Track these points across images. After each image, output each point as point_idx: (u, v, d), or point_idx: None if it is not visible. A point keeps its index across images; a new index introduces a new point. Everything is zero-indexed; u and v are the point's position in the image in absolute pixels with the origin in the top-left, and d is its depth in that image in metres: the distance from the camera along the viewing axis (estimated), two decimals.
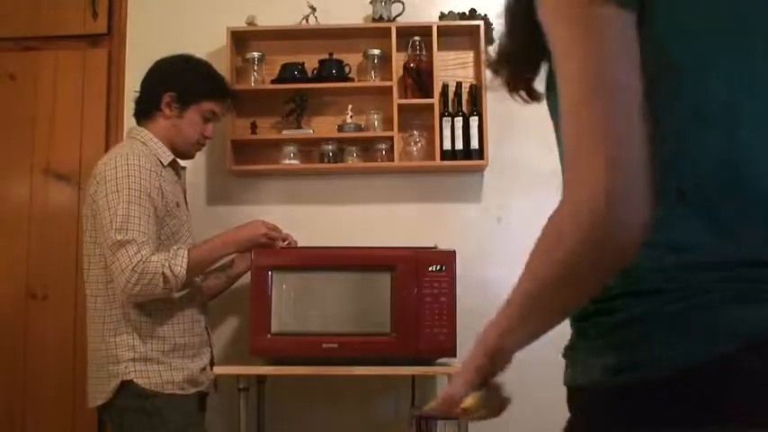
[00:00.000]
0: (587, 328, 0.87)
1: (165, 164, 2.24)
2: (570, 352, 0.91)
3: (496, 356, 0.92)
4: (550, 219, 0.80)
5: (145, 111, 2.29)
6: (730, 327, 0.79)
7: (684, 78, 0.82)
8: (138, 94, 2.33)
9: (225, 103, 2.38)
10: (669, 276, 0.81)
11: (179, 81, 2.27)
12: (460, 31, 2.83)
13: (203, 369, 2.24)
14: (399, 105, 2.74)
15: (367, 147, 2.83)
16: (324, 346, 2.31)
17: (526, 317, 0.87)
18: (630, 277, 0.81)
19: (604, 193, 0.74)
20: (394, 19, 2.84)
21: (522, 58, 0.93)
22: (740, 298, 0.79)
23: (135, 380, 2.11)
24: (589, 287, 0.81)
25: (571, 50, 0.79)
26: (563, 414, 0.91)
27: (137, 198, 2.09)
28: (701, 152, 0.82)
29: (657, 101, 0.80)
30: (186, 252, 2.14)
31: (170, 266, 2.08)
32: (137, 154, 2.15)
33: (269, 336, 2.33)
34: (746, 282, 0.80)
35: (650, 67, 0.79)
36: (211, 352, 2.33)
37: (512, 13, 0.92)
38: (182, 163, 2.37)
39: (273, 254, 2.39)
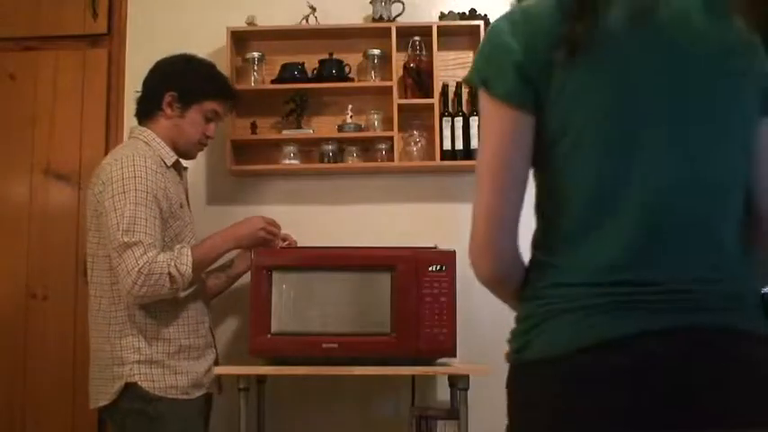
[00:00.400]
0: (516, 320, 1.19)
1: (168, 164, 2.24)
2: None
3: None
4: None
5: (146, 111, 2.29)
6: (587, 330, 1.06)
7: (565, 161, 1.11)
8: (139, 94, 2.32)
9: (227, 103, 2.38)
10: (553, 290, 1.11)
11: (181, 81, 2.27)
12: (460, 31, 2.83)
13: (208, 371, 2.25)
14: (399, 105, 2.74)
15: (367, 147, 2.83)
16: (324, 346, 2.31)
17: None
18: (528, 289, 1.16)
19: (469, 252, 1.16)
20: (394, 19, 2.84)
21: None
22: (598, 309, 1.07)
23: (139, 383, 2.11)
24: (498, 295, 1.25)
25: (481, 137, 1.15)
26: None
27: (143, 200, 2.09)
28: (581, 208, 1.11)
29: (548, 173, 1.13)
30: (190, 250, 2.15)
31: (176, 266, 2.08)
32: (141, 155, 2.15)
33: (269, 336, 2.33)
34: (604, 296, 1.07)
35: (544, 149, 1.12)
36: (216, 353, 2.33)
37: None
38: (183, 163, 2.37)
39: (273, 254, 2.39)
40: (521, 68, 1.09)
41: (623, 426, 1.03)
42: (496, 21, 1.16)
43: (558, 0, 1.10)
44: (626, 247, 1.07)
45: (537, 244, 1.18)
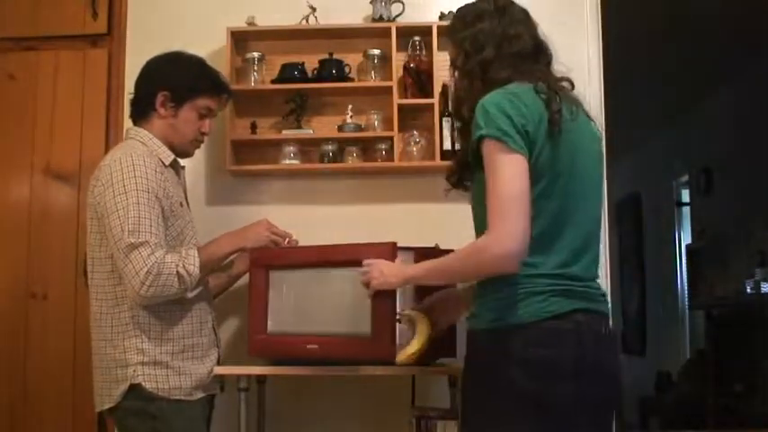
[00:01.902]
0: (487, 299, 1.75)
1: (166, 164, 2.24)
2: (473, 312, 1.80)
3: (408, 283, 2.06)
4: (475, 242, 1.71)
5: (140, 112, 2.28)
6: (549, 306, 1.69)
7: (547, 191, 1.70)
8: (132, 96, 2.32)
9: (220, 98, 2.35)
10: (527, 278, 1.70)
11: (171, 79, 2.25)
12: None
13: (211, 372, 2.25)
14: (399, 105, 2.74)
15: (367, 147, 2.83)
16: (324, 346, 2.30)
17: (433, 277, 1.92)
18: (509, 278, 1.69)
19: (499, 257, 1.65)
20: (394, 19, 2.84)
21: (466, 172, 1.85)
22: (555, 293, 1.70)
23: (143, 383, 2.11)
24: (471, 279, 1.88)
25: (494, 174, 1.66)
26: None
27: (145, 200, 2.08)
28: (545, 226, 1.71)
29: (540, 195, 1.69)
30: (196, 251, 2.15)
31: (184, 265, 2.09)
32: (140, 155, 2.15)
33: (268, 335, 2.33)
34: (560, 285, 1.71)
35: (538, 179, 1.69)
36: (219, 352, 2.33)
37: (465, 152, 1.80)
38: (181, 162, 2.37)
39: (272, 254, 2.39)
40: (524, 130, 1.66)
41: (570, 364, 1.67)
42: (495, 96, 1.71)
43: (534, 92, 1.72)
44: (570, 256, 1.73)
45: None
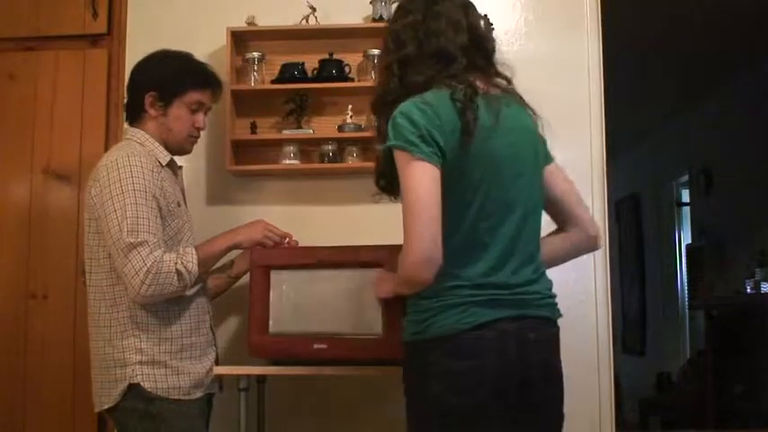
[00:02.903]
0: (411, 311, 1.75)
1: (163, 164, 2.24)
2: (405, 323, 1.77)
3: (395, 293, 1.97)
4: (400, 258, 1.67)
5: (133, 115, 2.28)
6: (469, 317, 1.66)
7: (464, 200, 1.68)
8: (125, 101, 2.32)
9: (209, 91, 2.33)
10: (447, 290, 1.68)
11: (157, 79, 2.25)
12: None
13: (209, 371, 2.25)
14: None
15: (367, 147, 2.83)
16: (324, 346, 2.30)
17: (400, 290, 1.84)
18: (429, 290, 1.68)
19: (411, 264, 1.63)
20: None
21: (394, 181, 1.72)
22: (476, 304, 1.67)
23: (142, 383, 2.11)
24: (409, 291, 1.76)
25: (402, 183, 1.64)
26: None
27: (143, 199, 2.09)
28: (465, 235, 1.69)
29: (457, 205, 1.67)
30: (194, 250, 2.16)
31: (183, 263, 2.09)
32: (136, 155, 2.15)
33: (268, 336, 2.33)
34: (483, 295, 1.67)
35: (452, 188, 1.65)
36: (216, 352, 2.33)
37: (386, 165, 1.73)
38: (180, 162, 2.37)
39: (272, 254, 2.39)
40: (432, 139, 1.63)
41: (492, 376, 1.64)
42: (406, 105, 1.67)
43: (450, 99, 1.67)
44: (493, 264, 1.69)
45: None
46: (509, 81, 1.81)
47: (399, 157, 1.65)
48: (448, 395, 1.64)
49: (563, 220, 1.92)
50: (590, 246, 1.95)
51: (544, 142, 1.88)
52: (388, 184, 1.79)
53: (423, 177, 1.61)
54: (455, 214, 1.66)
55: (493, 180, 1.69)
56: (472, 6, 1.83)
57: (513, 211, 1.72)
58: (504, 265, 1.70)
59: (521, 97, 1.83)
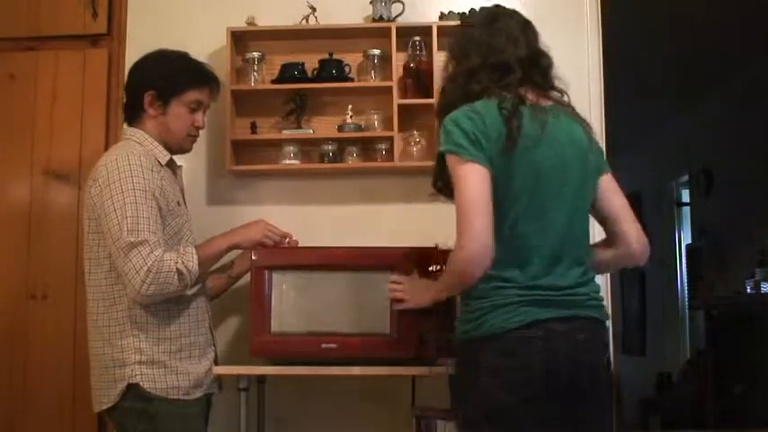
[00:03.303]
0: (463, 311, 1.85)
1: (162, 163, 2.24)
2: (457, 322, 1.86)
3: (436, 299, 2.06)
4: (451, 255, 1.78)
5: (132, 115, 2.28)
6: (517, 316, 1.73)
7: (507, 206, 1.77)
8: (124, 102, 2.32)
9: (207, 90, 2.33)
10: (495, 290, 1.77)
11: (155, 78, 2.25)
12: None
13: (208, 371, 2.25)
14: (399, 105, 2.74)
15: (367, 147, 2.83)
16: (323, 346, 2.31)
17: (446, 292, 1.98)
18: (478, 290, 1.78)
19: (463, 260, 1.72)
20: (394, 19, 2.84)
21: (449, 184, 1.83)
22: (525, 303, 1.75)
23: (141, 383, 2.11)
24: (458, 288, 1.87)
25: (455, 185, 1.76)
26: None
27: (143, 199, 2.09)
28: (509, 239, 1.76)
29: (501, 210, 1.75)
30: (194, 249, 2.16)
31: (183, 262, 2.09)
32: (136, 154, 2.15)
33: (269, 336, 2.33)
34: (532, 295, 1.75)
35: (497, 194, 1.75)
36: (215, 351, 2.33)
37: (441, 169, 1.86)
38: (179, 162, 2.37)
39: (273, 254, 2.39)
40: (479, 143, 1.75)
41: (540, 374, 1.71)
42: (456, 114, 1.80)
43: (497, 108, 1.78)
44: (542, 267, 1.78)
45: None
46: (563, 94, 1.93)
47: (451, 160, 1.77)
48: (497, 391, 1.71)
49: (610, 232, 1.99)
50: (632, 260, 1.99)
51: (599, 153, 1.98)
52: (444, 186, 1.90)
53: (473, 177, 1.73)
54: (499, 219, 1.74)
55: (535, 188, 1.78)
56: (530, 24, 1.96)
57: (558, 217, 1.81)
58: (553, 269, 1.79)
59: (573, 109, 1.93)
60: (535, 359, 1.71)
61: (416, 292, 2.16)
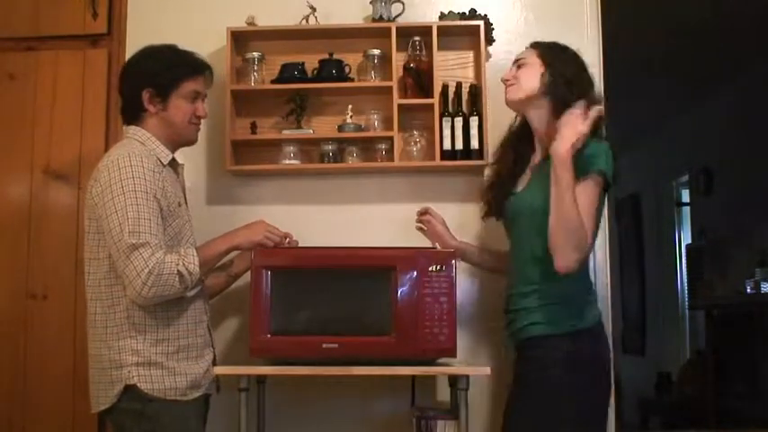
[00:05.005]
0: (558, 308, 2.18)
1: (164, 163, 2.23)
2: (537, 320, 2.19)
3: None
4: (584, 231, 2.07)
5: (132, 115, 2.27)
6: (595, 310, 2.23)
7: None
8: (121, 103, 2.31)
9: (202, 77, 2.33)
10: (580, 292, 2.22)
11: (150, 75, 2.24)
12: (460, 31, 2.83)
13: (206, 372, 2.25)
14: (399, 105, 2.74)
15: (367, 147, 2.83)
16: (324, 346, 2.31)
17: (558, 197, 2.09)
18: (570, 291, 2.18)
19: (572, 265, 2.08)
20: (394, 19, 2.84)
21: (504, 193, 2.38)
22: (595, 302, 2.26)
23: (138, 384, 2.11)
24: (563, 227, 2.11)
25: (583, 204, 2.08)
26: None
27: (144, 200, 2.08)
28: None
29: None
30: (195, 251, 2.16)
31: (184, 264, 2.09)
32: (137, 155, 2.15)
33: (269, 336, 2.33)
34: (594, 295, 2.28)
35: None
36: (213, 352, 2.33)
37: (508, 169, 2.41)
38: (181, 161, 2.37)
39: (273, 254, 2.39)
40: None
41: (608, 362, 2.22)
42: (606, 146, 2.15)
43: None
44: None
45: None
46: None
47: (599, 181, 2.11)
48: (603, 374, 2.18)
49: None
50: None
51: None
52: (500, 208, 2.41)
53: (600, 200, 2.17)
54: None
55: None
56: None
57: None
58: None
59: None
60: (606, 350, 2.24)
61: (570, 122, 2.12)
